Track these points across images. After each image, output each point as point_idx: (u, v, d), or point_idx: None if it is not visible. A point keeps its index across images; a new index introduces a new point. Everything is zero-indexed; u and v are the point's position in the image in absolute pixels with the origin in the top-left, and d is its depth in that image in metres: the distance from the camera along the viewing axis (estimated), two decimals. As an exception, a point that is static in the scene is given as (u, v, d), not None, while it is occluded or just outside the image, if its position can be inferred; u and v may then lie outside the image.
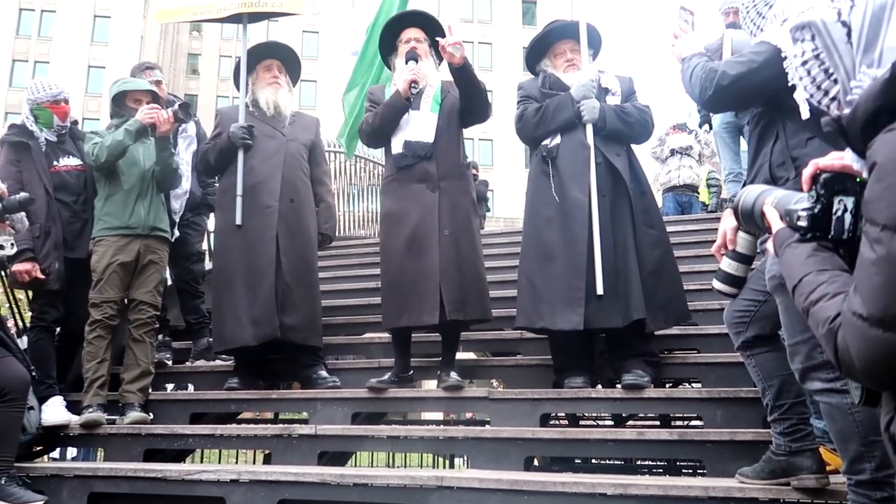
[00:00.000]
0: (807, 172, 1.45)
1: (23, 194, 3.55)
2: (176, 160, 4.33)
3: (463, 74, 3.84)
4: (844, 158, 1.38)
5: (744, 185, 2.62)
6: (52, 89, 4.24)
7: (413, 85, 3.84)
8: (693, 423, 5.38)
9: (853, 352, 1.18)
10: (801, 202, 1.49)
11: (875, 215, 1.16)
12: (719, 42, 3.11)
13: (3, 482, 3.24)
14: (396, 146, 3.92)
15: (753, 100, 2.55)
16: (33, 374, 3.70)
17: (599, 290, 3.54)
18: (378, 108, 3.97)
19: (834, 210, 1.38)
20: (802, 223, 1.42)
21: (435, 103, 3.96)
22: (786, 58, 2.32)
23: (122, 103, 4.34)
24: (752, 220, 1.72)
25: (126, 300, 4.14)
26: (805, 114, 2.25)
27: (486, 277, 3.92)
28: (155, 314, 4.17)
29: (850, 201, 1.37)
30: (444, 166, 3.87)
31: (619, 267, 3.61)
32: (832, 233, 1.38)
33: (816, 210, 1.40)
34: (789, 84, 2.30)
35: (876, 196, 1.18)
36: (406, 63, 3.90)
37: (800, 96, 2.28)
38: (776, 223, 1.55)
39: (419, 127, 3.89)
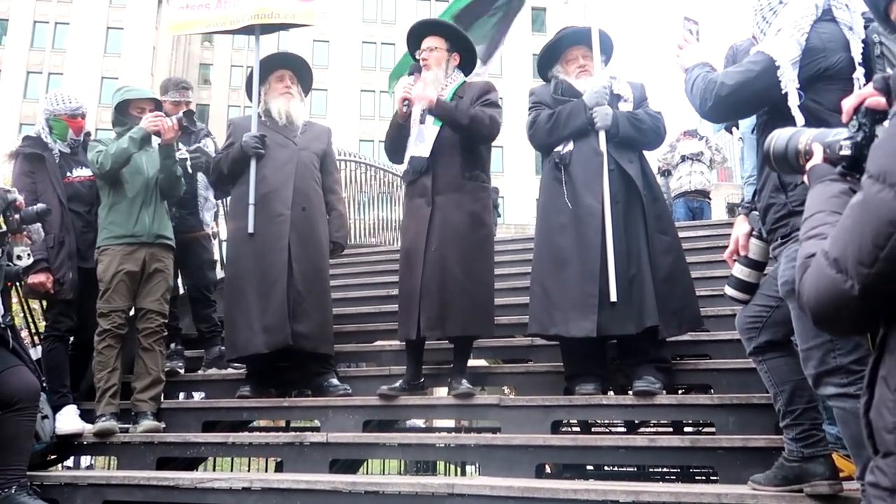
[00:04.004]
0: (848, 103, 1.45)
1: (40, 205, 3.58)
2: (179, 168, 4.35)
3: (440, 117, 3.83)
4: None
5: (754, 193, 2.61)
6: (71, 103, 4.28)
7: (405, 103, 3.84)
8: (705, 429, 5.34)
9: (806, 284, 1.25)
10: (840, 134, 1.47)
11: (868, 163, 1.21)
12: (749, 42, 3.09)
13: (13, 491, 3.23)
14: (406, 161, 3.95)
15: (752, 109, 2.56)
16: (44, 383, 3.72)
17: (613, 297, 3.53)
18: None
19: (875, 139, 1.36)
20: (846, 151, 1.41)
21: None
22: (779, 67, 2.33)
23: (125, 112, 4.35)
24: (785, 163, 1.67)
25: (134, 309, 4.15)
26: (799, 120, 2.27)
27: (481, 293, 3.77)
28: (163, 322, 4.18)
29: None
30: (441, 180, 3.83)
31: (632, 273, 3.60)
32: None
33: (860, 138, 1.40)
34: (782, 92, 2.33)
35: (876, 145, 1.24)
36: (409, 75, 3.90)
37: (792, 103, 2.30)
38: (820, 159, 1.54)
39: (421, 141, 3.89)
